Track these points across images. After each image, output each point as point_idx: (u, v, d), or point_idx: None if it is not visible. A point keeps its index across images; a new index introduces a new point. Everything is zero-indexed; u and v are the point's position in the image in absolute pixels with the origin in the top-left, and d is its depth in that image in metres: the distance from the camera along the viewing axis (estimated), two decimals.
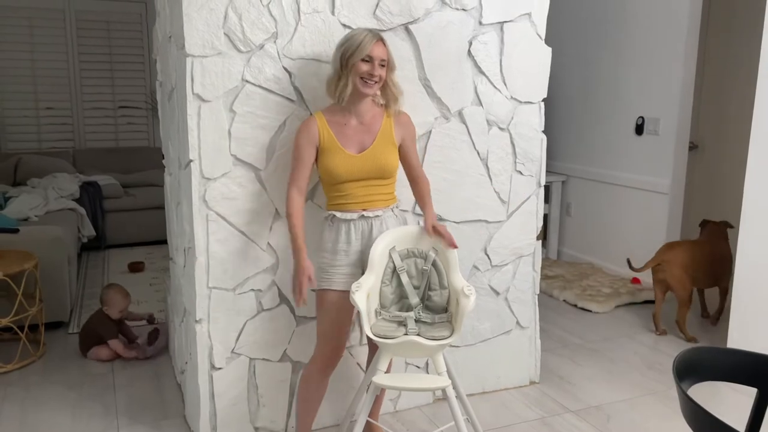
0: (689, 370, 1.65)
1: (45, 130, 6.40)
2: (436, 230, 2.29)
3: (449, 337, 2.13)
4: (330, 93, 2.25)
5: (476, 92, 2.78)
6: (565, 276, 4.76)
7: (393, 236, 2.28)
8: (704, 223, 3.95)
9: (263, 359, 2.58)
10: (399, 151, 2.32)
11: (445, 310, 2.28)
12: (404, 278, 2.28)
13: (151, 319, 3.73)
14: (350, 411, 2.53)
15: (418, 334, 2.13)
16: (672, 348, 3.61)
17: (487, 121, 2.83)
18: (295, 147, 2.25)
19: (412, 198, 2.50)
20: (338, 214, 2.25)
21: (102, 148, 6.56)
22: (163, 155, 3.25)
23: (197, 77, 2.31)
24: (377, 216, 2.27)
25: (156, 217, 5.57)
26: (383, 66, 2.20)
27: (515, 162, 2.93)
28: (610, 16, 4.78)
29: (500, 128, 2.87)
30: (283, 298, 2.58)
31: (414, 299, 2.29)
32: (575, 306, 4.28)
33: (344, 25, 2.47)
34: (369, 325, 2.15)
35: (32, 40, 6.20)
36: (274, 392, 2.62)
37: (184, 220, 2.54)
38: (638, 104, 4.61)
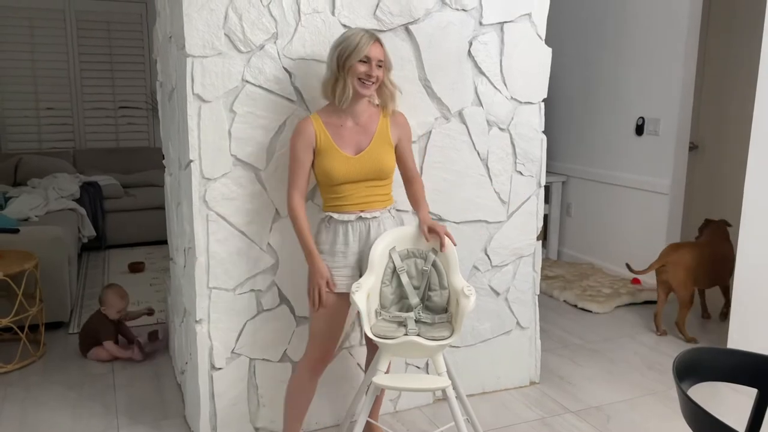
0: (689, 371, 1.65)
1: (45, 130, 6.40)
2: (432, 230, 2.28)
3: (449, 337, 2.13)
4: (326, 95, 2.23)
5: (476, 92, 2.79)
6: (566, 276, 4.76)
7: (393, 236, 2.28)
8: (706, 223, 3.95)
9: (263, 359, 2.58)
10: (395, 151, 2.31)
11: (445, 310, 2.28)
12: (404, 278, 2.28)
13: (150, 312, 3.73)
14: (350, 411, 2.53)
15: (418, 335, 2.13)
16: (672, 348, 3.61)
17: (488, 121, 2.83)
18: (292, 150, 2.23)
19: None
20: (335, 216, 2.24)
21: (102, 148, 6.56)
22: (163, 155, 3.25)
23: (197, 77, 2.31)
24: (375, 217, 2.26)
25: (156, 218, 5.57)
26: (380, 67, 2.18)
27: (515, 162, 2.93)
28: (611, 17, 4.78)
29: (500, 128, 2.87)
30: (283, 299, 2.58)
31: (414, 299, 2.29)
32: (575, 306, 4.28)
33: (344, 26, 2.47)
34: (369, 325, 2.15)
35: (33, 40, 6.20)
36: (274, 392, 2.62)
37: (185, 220, 2.54)
38: (638, 104, 4.61)
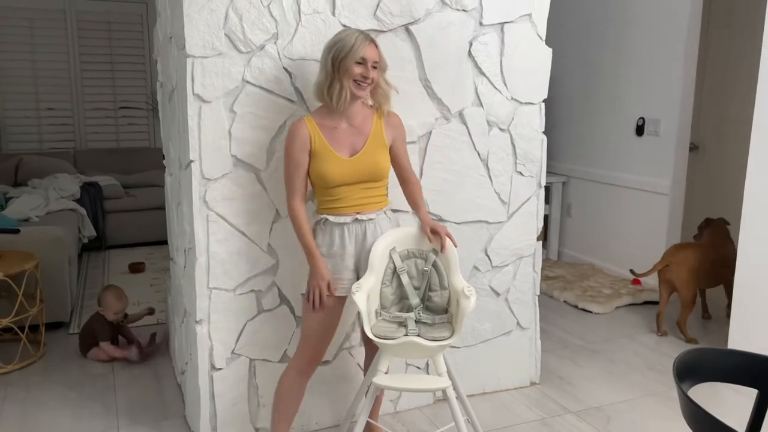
0: (690, 371, 1.65)
1: (46, 130, 6.41)
2: (434, 231, 2.27)
3: (449, 337, 2.13)
4: (320, 97, 2.20)
5: (477, 93, 2.79)
6: (566, 277, 4.76)
7: (393, 237, 2.28)
8: (706, 222, 3.94)
9: (263, 360, 2.58)
10: (390, 152, 2.29)
11: (446, 310, 2.28)
12: (404, 279, 2.28)
13: (151, 311, 3.73)
14: (350, 412, 2.53)
15: (418, 335, 2.13)
16: (672, 349, 3.61)
17: (488, 121, 2.83)
18: (288, 154, 2.19)
19: None
20: (331, 218, 2.22)
21: (103, 148, 6.56)
22: (163, 156, 3.25)
23: (198, 78, 2.31)
24: (371, 219, 2.24)
25: (156, 218, 5.57)
26: (375, 68, 2.16)
27: (516, 163, 2.93)
28: (611, 17, 4.78)
29: (501, 129, 2.87)
30: (283, 299, 2.58)
31: (414, 300, 2.28)
32: (576, 307, 4.28)
33: (345, 26, 2.46)
34: (369, 325, 2.15)
35: (33, 40, 6.21)
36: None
37: (185, 220, 2.54)
38: (639, 105, 4.61)
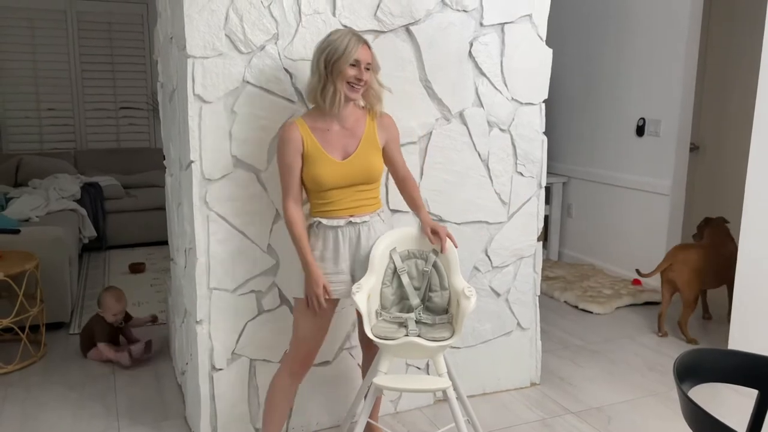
0: (690, 372, 1.65)
1: (46, 131, 6.41)
2: (434, 232, 2.27)
3: (450, 338, 2.13)
4: (313, 99, 2.18)
5: (477, 93, 2.79)
6: (566, 277, 4.76)
7: (394, 237, 2.28)
8: (706, 222, 3.94)
9: (264, 360, 2.58)
10: (383, 153, 2.27)
11: (446, 311, 2.28)
12: (405, 279, 2.28)
13: (154, 320, 3.73)
14: (350, 412, 2.53)
15: (418, 336, 2.13)
16: (673, 349, 3.61)
17: (488, 122, 2.83)
18: (281, 157, 2.17)
19: None
20: (324, 221, 2.20)
21: (103, 149, 6.57)
22: (164, 156, 3.25)
23: (198, 78, 2.31)
24: (365, 222, 2.22)
25: (157, 218, 5.57)
26: (368, 69, 2.14)
27: (516, 163, 2.93)
28: (611, 18, 4.78)
29: (501, 129, 2.87)
30: (283, 299, 2.58)
31: (415, 300, 2.28)
32: (576, 307, 4.28)
33: (345, 27, 2.47)
34: (370, 326, 2.15)
35: (33, 41, 6.21)
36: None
37: (185, 220, 2.54)
38: (639, 105, 4.61)
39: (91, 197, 5.54)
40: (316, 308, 2.17)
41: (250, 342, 2.54)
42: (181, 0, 2.25)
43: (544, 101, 2.95)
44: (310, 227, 2.24)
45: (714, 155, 4.74)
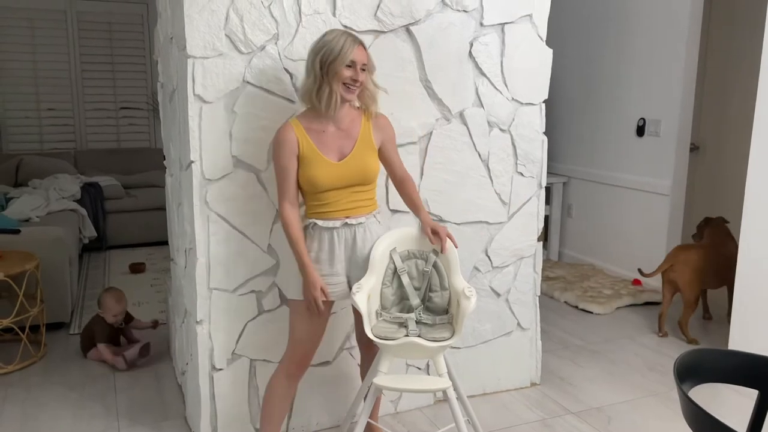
0: (690, 372, 1.65)
1: (46, 131, 6.42)
2: (434, 232, 2.26)
3: (450, 338, 2.13)
4: (308, 101, 2.16)
5: (477, 93, 2.79)
6: (566, 277, 4.76)
7: (394, 237, 2.28)
8: (706, 222, 3.94)
9: (264, 360, 2.58)
10: (380, 154, 2.27)
11: (446, 311, 2.28)
12: (405, 279, 2.28)
13: (155, 325, 3.72)
14: (350, 412, 2.53)
15: (418, 336, 2.13)
16: (673, 349, 3.61)
17: (488, 122, 2.83)
18: (276, 159, 2.16)
19: None
20: (320, 222, 2.19)
21: (103, 149, 6.57)
22: (164, 156, 3.25)
23: (198, 78, 2.31)
24: (360, 223, 2.22)
25: (157, 218, 5.58)
26: (364, 70, 2.13)
27: (516, 163, 2.93)
28: (611, 18, 4.78)
29: (501, 129, 2.87)
30: (283, 300, 2.57)
31: (415, 300, 2.28)
32: (576, 307, 4.28)
33: (345, 27, 2.47)
34: (370, 326, 2.15)
35: (34, 41, 6.21)
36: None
37: (185, 221, 2.54)
38: (639, 106, 4.61)
39: (92, 197, 5.54)
40: (314, 311, 2.17)
41: (250, 342, 2.54)
42: (181, 0, 2.25)
43: (545, 101, 2.95)
44: (305, 228, 2.23)
45: (714, 155, 4.74)
